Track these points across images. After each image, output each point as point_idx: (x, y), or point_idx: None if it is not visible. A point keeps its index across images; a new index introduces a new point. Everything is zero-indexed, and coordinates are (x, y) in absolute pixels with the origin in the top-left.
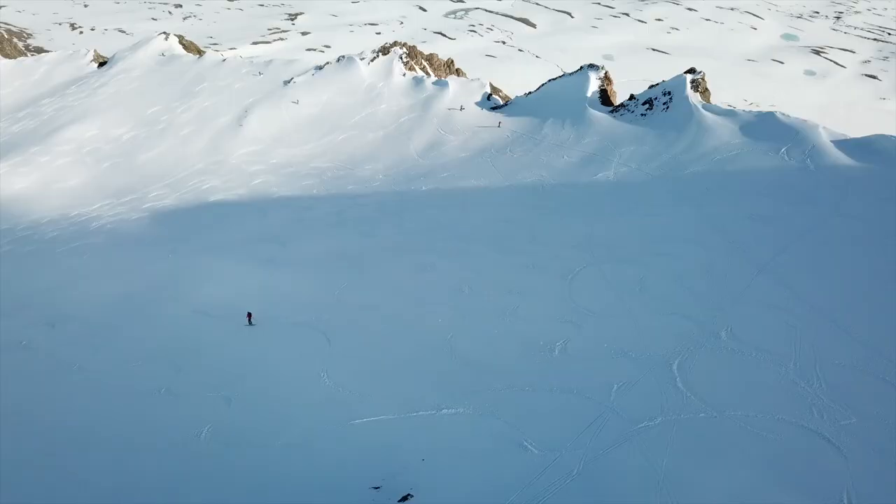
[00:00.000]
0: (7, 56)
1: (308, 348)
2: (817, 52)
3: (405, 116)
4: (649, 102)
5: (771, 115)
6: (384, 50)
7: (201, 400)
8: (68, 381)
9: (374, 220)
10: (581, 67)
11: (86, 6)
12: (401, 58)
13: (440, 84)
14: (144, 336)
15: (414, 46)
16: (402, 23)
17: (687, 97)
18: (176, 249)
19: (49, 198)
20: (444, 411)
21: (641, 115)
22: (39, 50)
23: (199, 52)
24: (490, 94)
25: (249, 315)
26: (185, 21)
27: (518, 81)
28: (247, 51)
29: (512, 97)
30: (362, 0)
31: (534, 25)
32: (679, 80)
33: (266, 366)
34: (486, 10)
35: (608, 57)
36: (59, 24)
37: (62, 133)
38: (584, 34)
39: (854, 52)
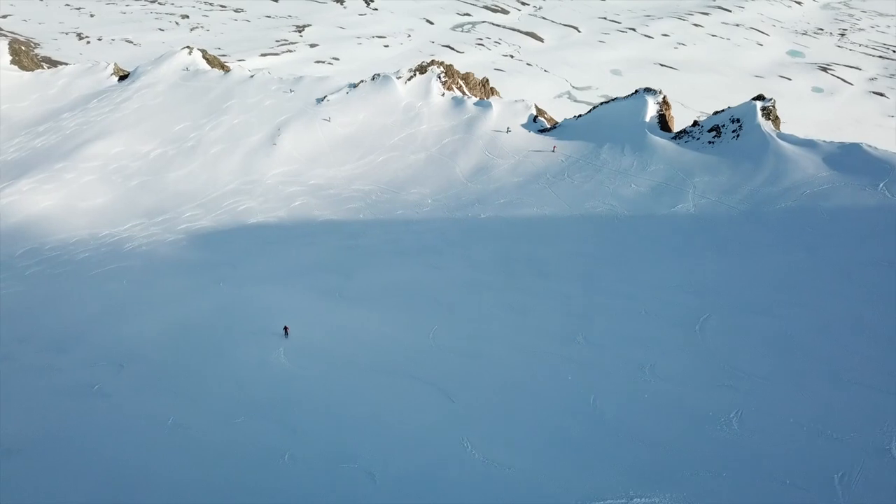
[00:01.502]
0: (24, 68)
1: (428, 406)
2: (824, 69)
3: (448, 138)
4: (716, 129)
5: (857, 147)
6: (421, 69)
7: (337, 471)
8: (168, 442)
9: (438, 250)
10: (636, 91)
11: (92, 16)
12: (438, 77)
13: (482, 105)
14: (231, 382)
15: (451, 65)
16: (409, 36)
17: (759, 125)
18: (225, 277)
19: (76, 216)
20: (636, 500)
21: (709, 142)
22: (48, 60)
23: (223, 67)
24: (536, 116)
25: (286, 329)
26: (193, 32)
27: (529, 95)
28: (255, 62)
29: (559, 120)
30: (369, 12)
31: (541, 39)
32: (748, 106)
33: (391, 428)
34: (492, 24)
35: (616, 72)
36: (66, 34)
37: (87, 149)
38: (591, 49)
39: (860, 70)
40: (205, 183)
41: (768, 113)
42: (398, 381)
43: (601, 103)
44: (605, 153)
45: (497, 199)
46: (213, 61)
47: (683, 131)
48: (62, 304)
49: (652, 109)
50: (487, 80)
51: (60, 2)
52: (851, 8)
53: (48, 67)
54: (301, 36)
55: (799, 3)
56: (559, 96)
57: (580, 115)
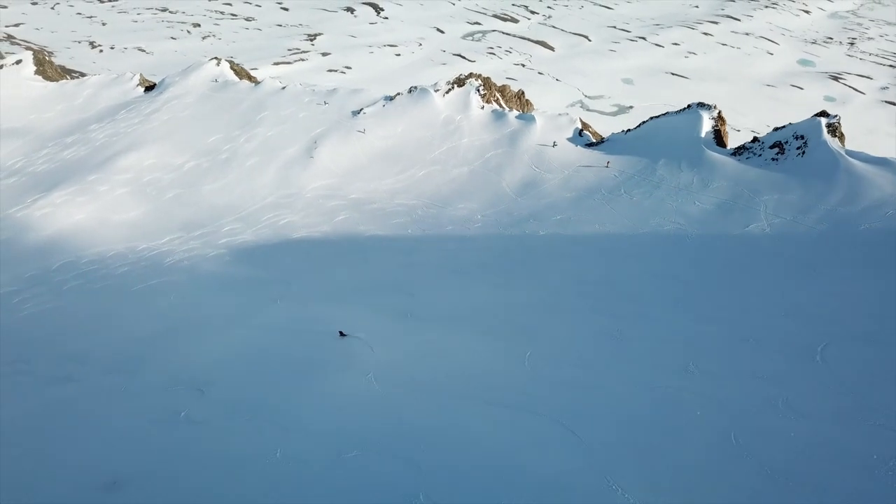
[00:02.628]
0: (48, 78)
1: (556, 443)
2: (835, 78)
3: (490, 152)
4: (779, 146)
5: None
6: (459, 81)
7: None
8: (283, 478)
9: (501, 269)
10: (689, 106)
11: (104, 24)
12: (477, 90)
13: (525, 118)
14: (328, 410)
15: (488, 78)
16: (420, 44)
17: (825, 142)
18: (282, 295)
19: (110, 229)
20: None
21: (772, 159)
22: (63, 69)
23: (250, 78)
24: (581, 130)
25: (342, 333)
26: (205, 40)
27: (543, 105)
28: (269, 71)
29: (606, 135)
30: (380, 21)
31: (552, 48)
32: (813, 123)
33: (529, 470)
34: (502, 33)
35: (627, 81)
36: (79, 43)
37: (119, 161)
38: (601, 57)
39: (871, 79)
40: (241, 196)
41: (833, 130)
42: (514, 414)
43: (651, 118)
44: (661, 169)
45: (553, 216)
46: (240, 72)
47: (743, 147)
48: (112, 322)
49: (707, 124)
50: (523, 93)
51: (72, 10)
52: (859, 17)
53: (70, 77)
54: (313, 45)
55: (807, 12)
56: (571, 105)
57: (629, 130)
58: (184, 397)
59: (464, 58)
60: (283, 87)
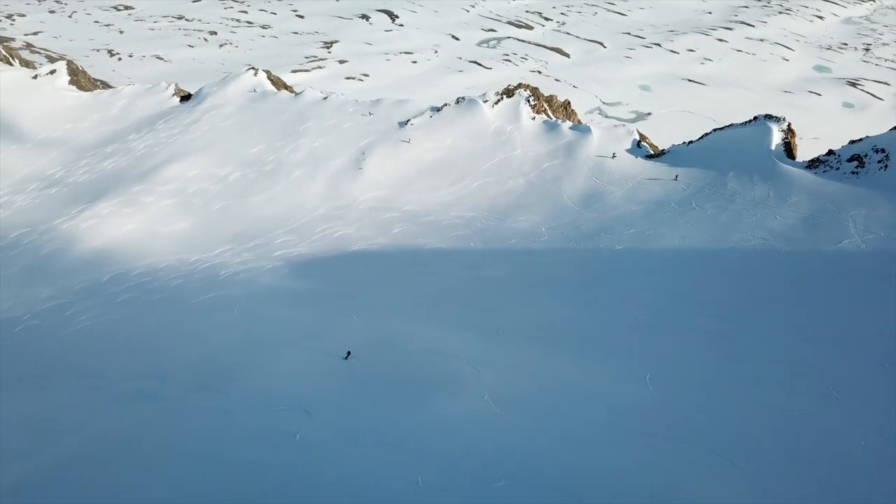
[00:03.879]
0: (82, 88)
1: (723, 477)
2: (853, 84)
3: (546, 163)
4: (857, 159)
5: None
6: (508, 92)
7: None
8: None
9: (581, 284)
10: (755, 118)
11: (121, 32)
12: (527, 100)
13: (580, 129)
14: (457, 435)
15: (536, 88)
16: (436, 52)
17: None
18: (354, 310)
19: (159, 241)
20: None
21: (852, 172)
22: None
23: (287, 88)
24: (639, 142)
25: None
26: (222, 48)
27: None
28: (287, 79)
29: (664, 146)
30: (395, 28)
31: (567, 55)
32: (893, 136)
33: None
34: (517, 40)
35: (644, 87)
36: (97, 51)
37: (162, 172)
38: (617, 64)
39: (889, 84)
40: (291, 207)
41: None
42: (662, 443)
43: (714, 130)
44: (731, 182)
45: (625, 229)
46: (277, 82)
47: (817, 160)
48: (178, 337)
49: (777, 137)
50: (569, 103)
51: (89, 18)
52: (873, 23)
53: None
54: (329, 52)
55: (821, 18)
56: (590, 112)
57: (691, 142)
58: (291, 418)
59: (480, 65)
60: (325, 98)
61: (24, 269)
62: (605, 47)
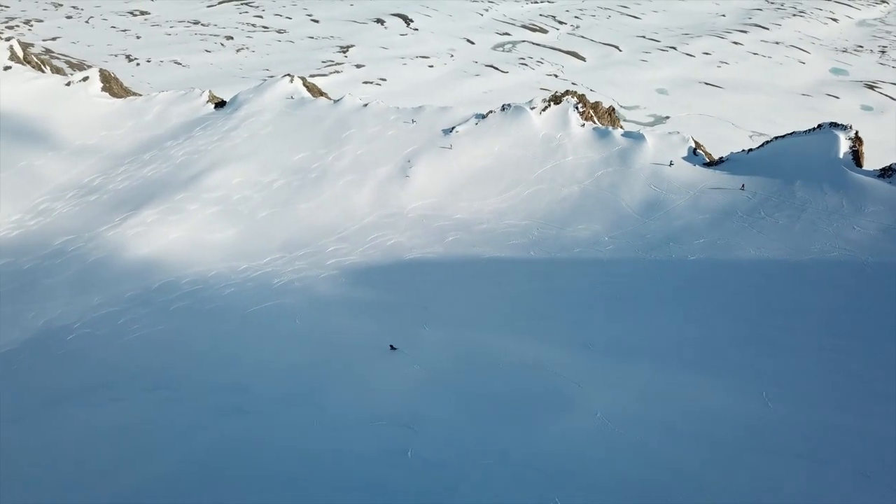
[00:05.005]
0: (115, 95)
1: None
2: (871, 87)
3: (601, 170)
4: None
5: None
6: (555, 99)
7: None
8: None
9: (663, 296)
10: (820, 125)
11: (138, 38)
12: (576, 107)
13: (634, 136)
14: (587, 459)
15: (583, 95)
16: (452, 56)
17: None
18: (426, 320)
19: (206, 249)
20: None
21: None
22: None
23: (322, 94)
24: (696, 149)
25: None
26: (239, 53)
27: None
28: None
29: (720, 154)
30: (410, 33)
31: (583, 59)
32: None
33: None
34: (532, 43)
35: (662, 91)
36: (115, 56)
37: (205, 179)
38: (633, 68)
39: None
40: (339, 215)
41: None
42: (811, 465)
43: (775, 138)
44: (800, 191)
45: (694, 239)
46: (312, 88)
47: (890, 169)
48: (246, 347)
49: (844, 145)
50: (613, 109)
51: (106, 24)
52: (888, 25)
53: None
54: (346, 57)
55: (835, 21)
56: None
57: (750, 150)
58: (396, 435)
59: (496, 69)
60: (366, 105)
61: (72, 277)
62: (620, 51)
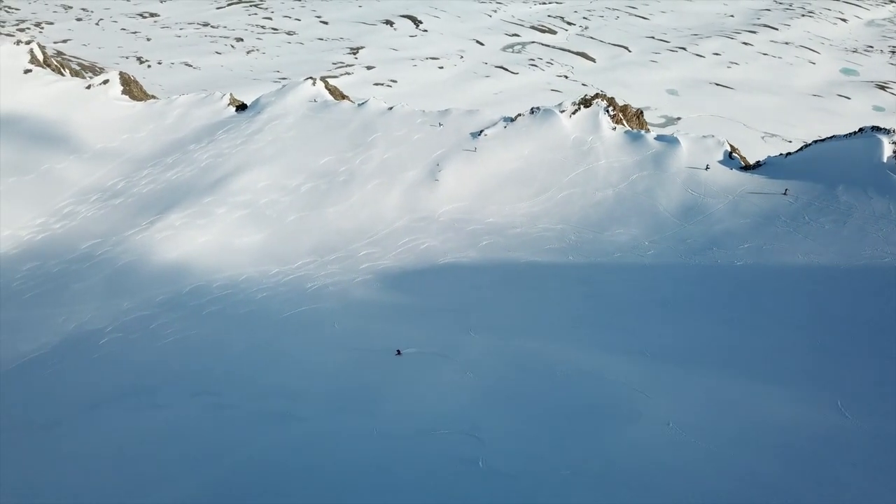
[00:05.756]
0: (135, 98)
1: None
2: (882, 87)
3: (635, 174)
4: None
5: None
6: (585, 102)
7: None
8: None
9: (714, 303)
10: (861, 129)
11: (149, 40)
12: (606, 110)
13: (667, 140)
14: (660, 469)
15: (612, 98)
16: (462, 57)
17: None
18: (472, 326)
19: (236, 253)
20: None
21: None
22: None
23: (345, 98)
24: (731, 153)
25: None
26: (249, 55)
27: None
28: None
29: (756, 158)
30: (419, 34)
31: (593, 60)
32: None
33: None
34: (541, 44)
35: (672, 92)
36: (126, 58)
37: (231, 183)
38: (643, 69)
39: None
40: (369, 219)
41: None
42: None
43: (814, 141)
44: (843, 196)
45: (738, 244)
46: (334, 91)
47: None
48: (285, 353)
49: (888, 149)
50: (642, 112)
51: (116, 26)
52: None
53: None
54: (356, 58)
55: (844, 21)
56: None
57: (788, 154)
58: (460, 444)
59: (506, 70)
60: (391, 108)
61: (101, 281)
62: (629, 51)
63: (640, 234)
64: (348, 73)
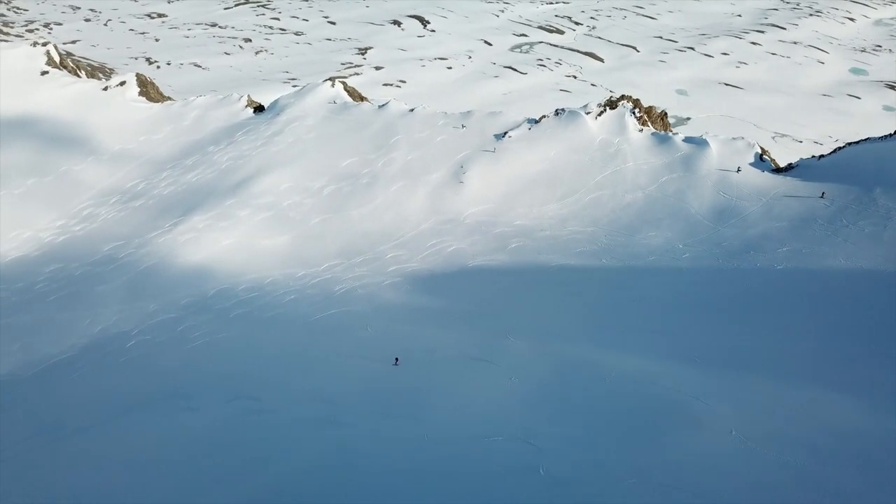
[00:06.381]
0: (151, 99)
1: None
2: (892, 87)
3: (665, 176)
4: None
5: None
6: (611, 104)
7: None
8: None
9: (761, 307)
10: (895, 132)
11: (157, 40)
12: (632, 112)
13: (696, 142)
14: (715, 472)
15: (638, 100)
16: (470, 57)
17: None
18: (509, 330)
19: (260, 256)
20: None
21: None
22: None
23: (363, 99)
24: (762, 155)
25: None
26: (258, 55)
27: None
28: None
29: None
30: (427, 34)
31: (601, 60)
32: None
33: None
34: (549, 44)
35: (682, 92)
36: (136, 59)
37: (253, 185)
38: (652, 69)
39: None
40: (394, 221)
41: None
42: None
43: (847, 144)
44: (881, 198)
45: (776, 248)
46: (353, 93)
47: None
48: (319, 357)
49: None
50: (666, 114)
51: (124, 27)
52: None
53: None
54: (364, 59)
55: (852, 20)
56: None
57: (822, 156)
58: (515, 451)
59: (515, 70)
60: (412, 110)
61: (125, 284)
62: (638, 51)
63: (674, 237)
64: (357, 74)
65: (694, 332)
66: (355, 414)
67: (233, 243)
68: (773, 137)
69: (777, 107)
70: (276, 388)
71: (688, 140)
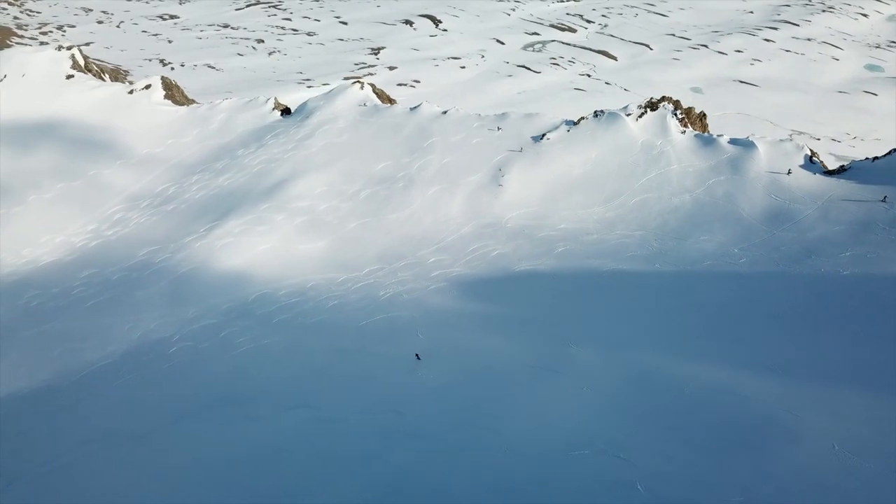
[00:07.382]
0: (177, 103)
1: None
2: None
3: (712, 179)
4: None
5: None
6: (651, 105)
7: None
8: None
9: (836, 315)
10: None
11: (170, 42)
12: (674, 114)
13: (743, 144)
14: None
15: (678, 101)
16: (483, 56)
17: None
18: (571, 339)
19: (299, 260)
20: None
21: None
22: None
23: (391, 101)
24: (812, 157)
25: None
26: (271, 56)
27: None
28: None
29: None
30: (439, 34)
31: (614, 58)
32: None
33: None
34: (562, 43)
35: (697, 90)
36: (150, 61)
37: (288, 189)
38: (666, 67)
39: None
40: (434, 225)
41: None
42: None
43: None
44: None
45: (838, 252)
46: (382, 95)
47: None
48: (373, 365)
49: None
50: (704, 115)
51: (137, 28)
52: None
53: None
54: (378, 59)
55: (865, 16)
56: None
57: (875, 158)
58: (605, 465)
59: (528, 69)
60: (445, 112)
61: (164, 289)
62: (651, 49)
63: (727, 241)
64: (371, 74)
65: (766, 341)
66: (426, 424)
67: (270, 248)
68: (790, 135)
69: (793, 104)
70: (336, 396)
71: (733, 142)
